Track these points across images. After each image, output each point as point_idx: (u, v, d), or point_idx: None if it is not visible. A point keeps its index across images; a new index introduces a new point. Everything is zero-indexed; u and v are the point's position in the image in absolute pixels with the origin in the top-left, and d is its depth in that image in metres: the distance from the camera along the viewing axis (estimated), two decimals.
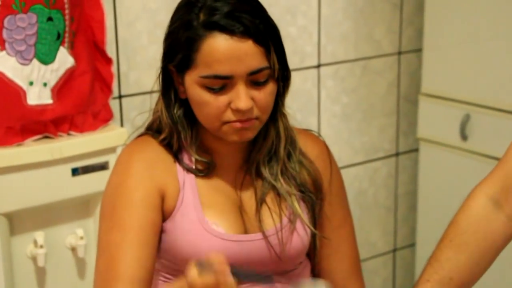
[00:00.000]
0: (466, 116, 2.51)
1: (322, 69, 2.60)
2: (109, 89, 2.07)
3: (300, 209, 1.49)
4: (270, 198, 1.49)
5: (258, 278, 1.33)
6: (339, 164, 1.64)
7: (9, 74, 1.86)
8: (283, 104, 1.48)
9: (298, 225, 1.49)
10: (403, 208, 2.93)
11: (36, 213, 1.97)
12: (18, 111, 1.89)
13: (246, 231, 1.47)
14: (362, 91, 2.71)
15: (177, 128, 1.46)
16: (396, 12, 2.71)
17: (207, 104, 1.38)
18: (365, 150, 2.78)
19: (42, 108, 1.92)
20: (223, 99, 1.37)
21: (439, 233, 1.40)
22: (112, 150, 2.02)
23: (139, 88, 2.22)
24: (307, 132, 1.61)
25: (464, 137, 2.53)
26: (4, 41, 1.85)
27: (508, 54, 2.38)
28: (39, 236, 1.96)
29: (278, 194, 1.50)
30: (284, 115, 1.49)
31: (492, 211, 1.35)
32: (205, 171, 1.48)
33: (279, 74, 1.42)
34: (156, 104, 1.51)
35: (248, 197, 1.50)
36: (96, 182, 1.98)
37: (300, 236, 1.49)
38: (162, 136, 1.48)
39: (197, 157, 1.47)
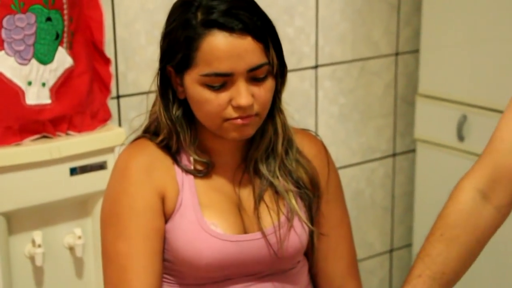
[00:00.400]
0: (463, 117, 2.52)
1: (320, 70, 2.60)
2: (107, 89, 2.08)
3: (298, 206, 1.50)
4: (268, 196, 1.50)
5: None
6: (336, 165, 1.65)
7: (8, 74, 1.87)
8: (280, 101, 1.49)
9: (296, 223, 1.50)
10: (400, 208, 2.94)
11: (34, 213, 1.97)
12: (16, 110, 1.89)
13: (245, 230, 1.47)
14: (359, 91, 2.72)
15: (176, 128, 1.46)
16: (393, 13, 2.72)
17: (208, 102, 1.39)
18: (362, 151, 2.78)
19: (40, 108, 1.92)
20: (223, 96, 1.38)
21: None
22: (110, 150, 2.02)
23: (137, 88, 2.22)
24: (304, 131, 1.61)
25: (461, 138, 2.54)
26: (3, 41, 1.85)
27: (505, 55, 2.38)
28: (37, 235, 1.96)
29: (276, 192, 1.50)
30: (281, 112, 1.50)
31: (481, 203, 1.36)
32: (204, 171, 1.48)
33: (277, 70, 1.43)
34: (153, 106, 1.51)
35: (247, 195, 1.50)
36: (94, 182, 1.99)
37: (298, 235, 1.49)
38: (160, 138, 1.48)
39: (196, 157, 1.47)
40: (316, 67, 2.59)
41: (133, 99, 2.23)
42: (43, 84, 1.93)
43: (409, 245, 2.95)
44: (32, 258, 1.97)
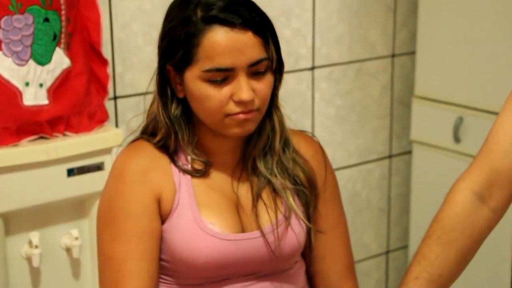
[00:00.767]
0: (459, 118, 2.53)
1: (316, 71, 2.61)
2: (104, 90, 2.08)
3: (295, 204, 1.51)
4: (266, 194, 1.50)
5: None
6: (333, 166, 1.65)
7: (5, 74, 1.87)
8: (277, 98, 1.50)
9: (294, 221, 1.50)
10: (396, 210, 2.94)
11: (31, 214, 1.97)
12: (14, 111, 1.89)
13: (243, 229, 1.47)
14: (356, 93, 2.72)
15: (174, 127, 1.46)
16: (390, 14, 2.73)
17: (210, 97, 1.39)
18: (358, 152, 2.79)
19: (38, 109, 1.93)
20: (225, 91, 1.39)
21: None
22: (107, 151, 2.02)
23: (134, 89, 2.22)
24: (301, 133, 1.62)
25: (457, 139, 2.55)
26: (0, 42, 1.85)
27: (501, 57, 2.39)
28: (34, 236, 1.96)
29: (273, 190, 1.51)
30: (278, 109, 1.51)
31: (477, 206, 1.36)
32: (202, 170, 1.48)
33: (276, 66, 1.44)
34: (151, 106, 1.51)
35: (245, 194, 1.51)
36: (91, 182, 1.99)
37: (296, 233, 1.50)
38: (158, 138, 1.48)
39: (194, 156, 1.48)
40: (312, 68, 2.59)
41: (130, 100, 2.23)
42: (41, 85, 1.93)
43: (405, 247, 2.95)
44: (29, 259, 1.97)
